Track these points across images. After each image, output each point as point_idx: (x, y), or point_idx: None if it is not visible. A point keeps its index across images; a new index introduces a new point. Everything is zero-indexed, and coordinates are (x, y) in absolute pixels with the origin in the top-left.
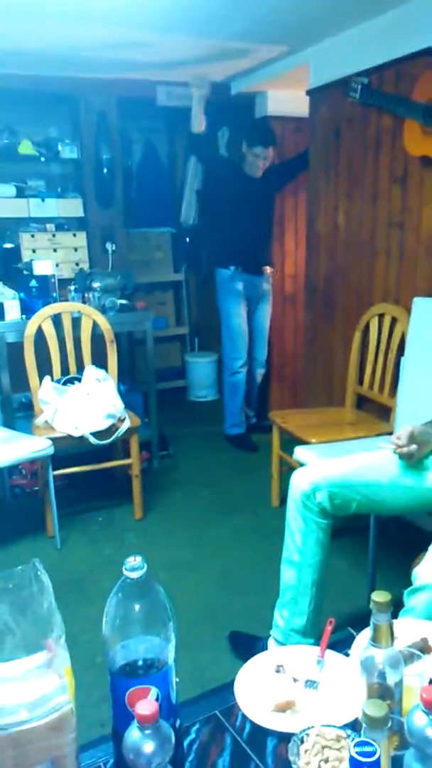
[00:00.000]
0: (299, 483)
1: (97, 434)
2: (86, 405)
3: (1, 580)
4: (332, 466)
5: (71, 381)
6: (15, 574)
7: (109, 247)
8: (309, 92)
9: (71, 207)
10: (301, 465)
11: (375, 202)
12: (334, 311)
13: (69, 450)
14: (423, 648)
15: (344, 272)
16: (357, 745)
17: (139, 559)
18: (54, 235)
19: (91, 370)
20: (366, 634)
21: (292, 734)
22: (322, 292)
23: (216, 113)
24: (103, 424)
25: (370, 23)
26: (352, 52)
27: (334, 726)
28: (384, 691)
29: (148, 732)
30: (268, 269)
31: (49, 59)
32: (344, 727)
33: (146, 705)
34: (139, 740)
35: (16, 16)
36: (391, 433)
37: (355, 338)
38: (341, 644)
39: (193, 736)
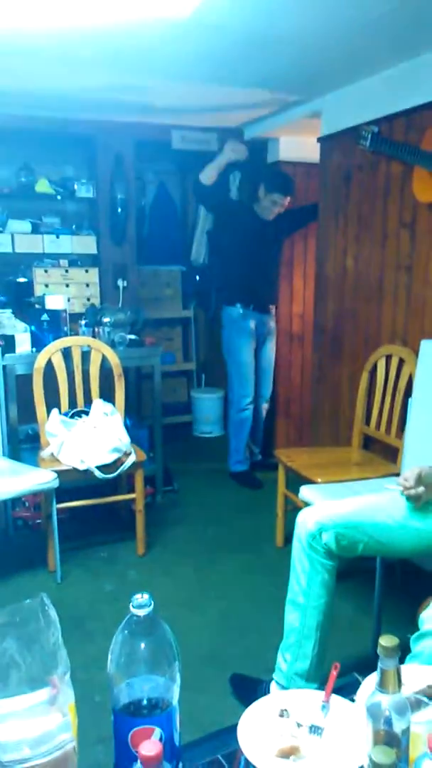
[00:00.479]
0: (305, 523)
1: (102, 468)
2: (93, 438)
3: (9, 614)
4: (339, 506)
5: (79, 414)
6: (23, 608)
7: (121, 283)
8: (320, 139)
9: (85, 244)
10: (307, 504)
11: (383, 246)
12: (342, 351)
13: (73, 483)
14: (430, 695)
15: (352, 313)
16: None
17: (146, 596)
18: (67, 271)
19: (99, 404)
20: (372, 679)
21: None
22: (330, 333)
23: None
24: (109, 458)
25: (382, 74)
26: (364, 102)
27: None
28: (390, 738)
29: None
30: (273, 308)
31: (69, 102)
32: None
33: (150, 745)
34: None
35: (39, 60)
36: (398, 475)
37: (362, 378)
38: (346, 689)
39: None
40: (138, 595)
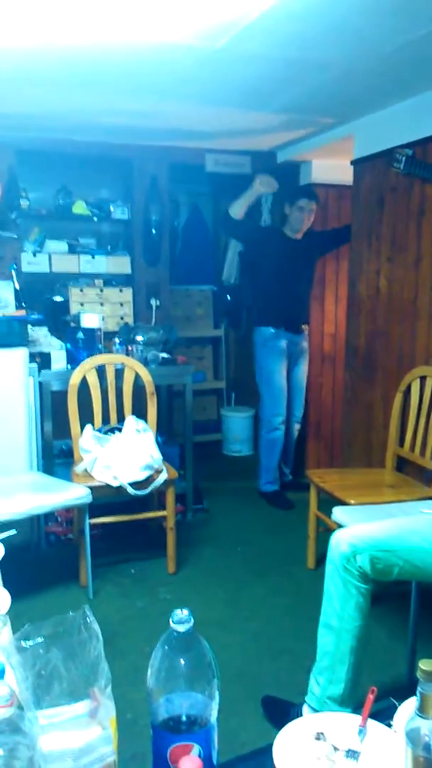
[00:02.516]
0: (339, 545)
1: (134, 484)
2: (125, 455)
3: (53, 625)
4: (374, 528)
5: (112, 431)
6: (66, 619)
7: (154, 302)
8: (353, 162)
9: (119, 264)
10: (340, 526)
11: (417, 267)
12: (375, 372)
13: (104, 499)
14: None
15: (385, 334)
16: None
17: (186, 612)
18: (102, 290)
19: (131, 421)
20: (410, 704)
21: None
22: (363, 353)
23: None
24: (141, 475)
25: (415, 99)
26: (397, 126)
27: None
28: (429, 765)
29: None
30: (305, 327)
31: (105, 127)
32: None
33: (190, 762)
34: None
35: (75, 87)
36: None
37: (396, 399)
38: (382, 714)
39: None
40: (178, 611)
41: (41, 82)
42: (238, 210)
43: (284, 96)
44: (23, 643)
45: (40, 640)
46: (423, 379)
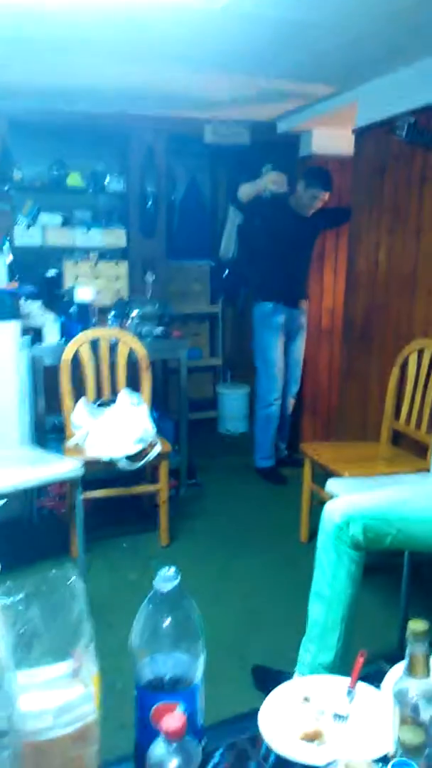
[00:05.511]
0: (332, 514)
1: (127, 458)
2: (118, 428)
3: (35, 584)
4: (367, 498)
5: (105, 404)
6: (48, 578)
7: (149, 277)
8: (355, 131)
9: (115, 237)
10: (333, 498)
11: (418, 238)
12: (371, 345)
13: (97, 474)
14: None
15: (383, 308)
16: (394, 766)
17: (172, 570)
18: (96, 264)
19: (125, 394)
20: (399, 667)
21: (319, 766)
22: (360, 327)
23: (260, 151)
24: (134, 448)
25: (418, 65)
26: (400, 93)
27: (364, 761)
28: (417, 725)
29: (174, 747)
30: (304, 302)
31: (100, 95)
32: (374, 761)
33: (174, 718)
34: (164, 755)
35: (69, 54)
36: (428, 470)
37: (392, 373)
38: (371, 678)
39: (217, 759)
40: (165, 569)
41: (33, 46)
42: (246, 193)
43: (285, 61)
44: (2, 600)
45: (20, 596)
46: (421, 352)
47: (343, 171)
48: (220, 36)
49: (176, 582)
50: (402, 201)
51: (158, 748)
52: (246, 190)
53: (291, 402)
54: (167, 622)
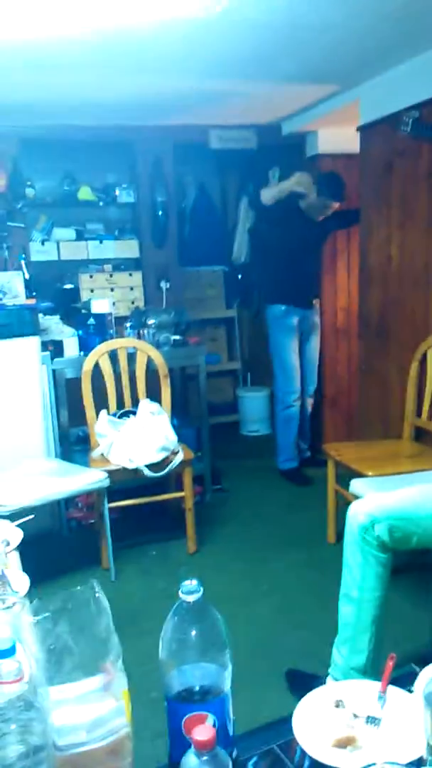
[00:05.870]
0: (357, 516)
1: (151, 467)
2: (141, 438)
3: (61, 601)
4: (391, 498)
5: (126, 414)
6: (74, 594)
7: (164, 285)
8: (360, 128)
9: (128, 248)
10: (358, 499)
11: (429, 232)
12: (389, 342)
13: (123, 483)
14: None
15: (398, 303)
16: None
17: (194, 582)
18: (111, 275)
19: (145, 404)
20: (431, 669)
21: None
22: (376, 323)
23: (267, 154)
24: (157, 457)
25: (420, 58)
26: (403, 87)
27: (398, 764)
28: None
29: (204, 758)
30: (316, 302)
31: (105, 109)
32: (408, 765)
33: (204, 730)
34: (195, 767)
35: (75, 72)
36: None
37: (411, 369)
38: (403, 680)
39: None
40: (187, 581)
41: (42, 68)
42: (269, 195)
43: (285, 63)
44: (31, 618)
45: (47, 614)
46: None
47: (351, 169)
48: (220, 43)
49: (199, 593)
50: (410, 196)
51: (190, 760)
52: (269, 192)
53: (309, 402)
54: (193, 633)
